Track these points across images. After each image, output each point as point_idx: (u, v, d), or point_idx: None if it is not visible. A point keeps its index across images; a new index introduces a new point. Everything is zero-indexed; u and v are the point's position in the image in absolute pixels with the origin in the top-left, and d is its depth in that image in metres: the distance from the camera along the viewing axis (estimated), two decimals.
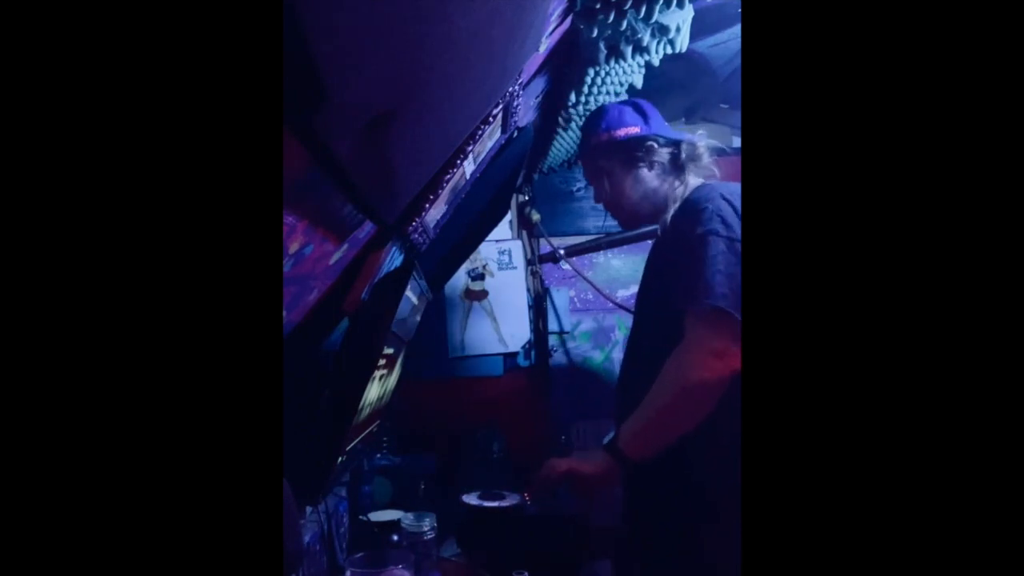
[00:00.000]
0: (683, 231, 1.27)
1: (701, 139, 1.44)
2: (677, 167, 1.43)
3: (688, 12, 1.34)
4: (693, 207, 1.29)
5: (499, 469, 2.23)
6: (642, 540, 1.39)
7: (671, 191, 1.42)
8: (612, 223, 1.57)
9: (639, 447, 1.22)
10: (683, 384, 1.16)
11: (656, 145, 1.43)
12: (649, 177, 1.44)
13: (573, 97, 1.69)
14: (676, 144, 1.43)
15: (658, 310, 1.33)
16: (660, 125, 1.46)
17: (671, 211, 1.37)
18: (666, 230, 1.38)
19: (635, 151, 1.43)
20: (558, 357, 2.56)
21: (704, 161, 1.43)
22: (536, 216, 2.55)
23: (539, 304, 2.57)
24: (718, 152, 1.46)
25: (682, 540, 1.28)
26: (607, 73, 1.57)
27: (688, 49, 1.47)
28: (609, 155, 1.46)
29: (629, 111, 1.47)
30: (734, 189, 1.27)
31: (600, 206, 1.54)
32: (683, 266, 1.22)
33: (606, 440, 1.25)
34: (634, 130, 1.44)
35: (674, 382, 1.18)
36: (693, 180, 1.41)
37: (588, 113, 1.63)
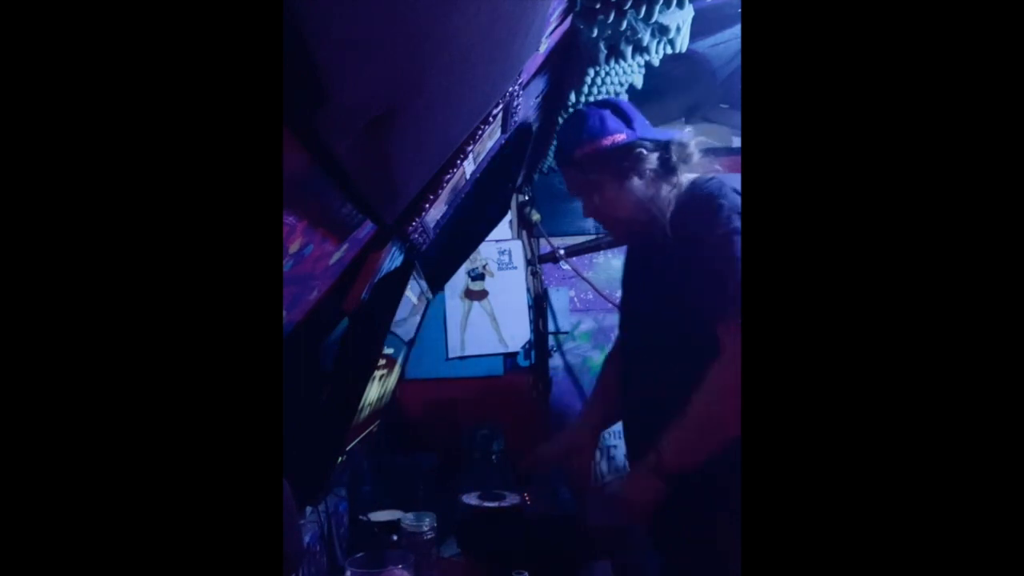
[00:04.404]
0: (697, 231, 1.20)
1: (689, 137, 1.35)
2: (668, 170, 1.33)
3: (688, 12, 1.34)
4: (705, 205, 1.21)
5: (499, 469, 2.23)
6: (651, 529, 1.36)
7: (665, 195, 1.33)
8: None
9: (685, 459, 1.16)
10: (732, 395, 1.12)
11: (645, 151, 1.32)
12: (640, 186, 1.32)
13: (573, 97, 1.69)
14: (665, 146, 1.33)
15: (679, 314, 1.26)
16: (644, 127, 1.37)
17: (668, 213, 1.29)
18: (662, 232, 1.30)
19: (623, 160, 1.32)
20: (558, 357, 2.56)
21: (694, 161, 1.34)
22: (536, 216, 2.55)
23: (539, 304, 2.57)
24: (710, 150, 1.37)
25: (691, 527, 1.26)
26: (607, 73, 1.57)
27: (688, 49, 1.46)
28: (596, 167, 1.34)
29: (610, 116, 1.35)
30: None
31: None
32: (706, 270, 1.16)
33: (649, 464, 1.18)
34: (620, 137, 1.33)
35: (723, 393, 1.12)
36: (685, 178, 1.33)
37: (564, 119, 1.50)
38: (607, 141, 1.33)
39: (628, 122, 1.35)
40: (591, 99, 1.70)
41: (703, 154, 1.35)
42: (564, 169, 1.42)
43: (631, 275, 1.49)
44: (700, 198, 1.24)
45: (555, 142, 1.71)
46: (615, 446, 2.55)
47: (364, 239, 1.01)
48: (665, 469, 1.17)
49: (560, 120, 1.86)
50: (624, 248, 2.49)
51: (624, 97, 1.68)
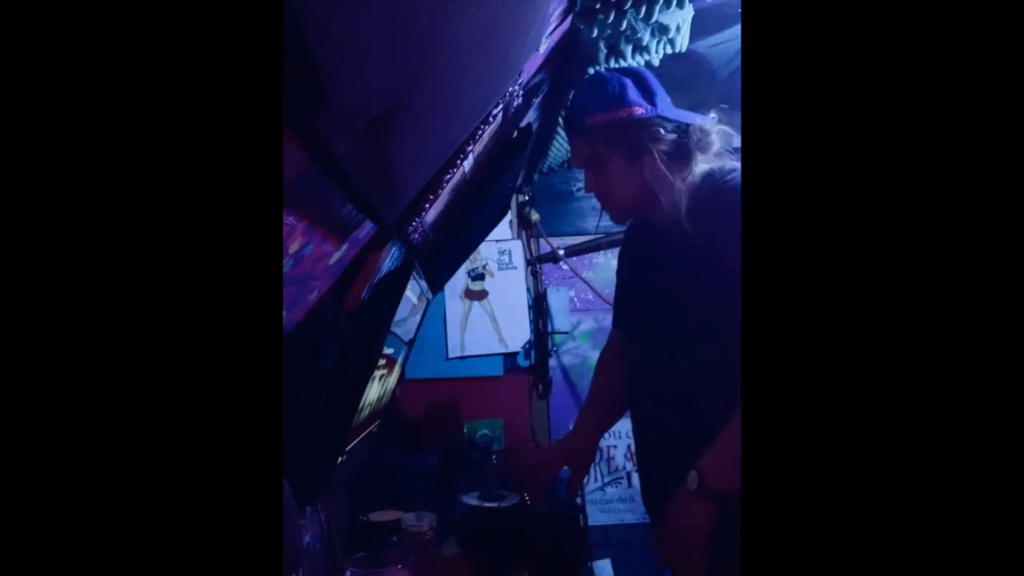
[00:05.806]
0: (719, 227, 1.11)
1: (711, 123, 1.23)
2: (683, 155, 1.22)
3: (688, 12, 1.35)
4: (728, 201, 1.11)
5: (499, 469, 2.23)
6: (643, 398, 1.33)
7: (674, 182, 1.21)
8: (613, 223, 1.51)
9: (731, 477, 1.01)
10: None
11: (663, 131, 1.21)
12: (652, 167, 1.21)
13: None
14: (684, 129, 1.22)
15: (686, 307, 1.20)
16: (666, 104, 1.25)
17: (683, 206, 1.19)
18: (667, 220, 1.21)
19: (636, 137, 1.22)
20: (558, 357, 2.57)
21: (713, 150, 1.22)
22: (536, 216, 2.55)
23: (539, 304, 2.57)
24: (729, 139, 1.26)
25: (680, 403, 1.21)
26: None
27: (688, 49, 1.46)
28: (605, 139, 1.24)
29: (631, 86, 1.24)
30: None
31: (595, 199, 1.35)
32: (718, 267, 1.08)
33: (692, 486, 1.08)
34: (638, 111, 1.21)
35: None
36: (700, 168, 1.24)
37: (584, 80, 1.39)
38: (623, 113, 1.22)
39: (650, 96, 1.24)
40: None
41: (722, 145, 1.25)
42: (572, 136, 1.33)
43: (628, 265, 1.42)
44: (723, 193, 1.16)
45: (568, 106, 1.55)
46: (614, 446, 2.55)
47: (364, 239, 1.01)
48: (711, 491, 1.06)
49: (561, 120, 1.86)
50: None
51: None
